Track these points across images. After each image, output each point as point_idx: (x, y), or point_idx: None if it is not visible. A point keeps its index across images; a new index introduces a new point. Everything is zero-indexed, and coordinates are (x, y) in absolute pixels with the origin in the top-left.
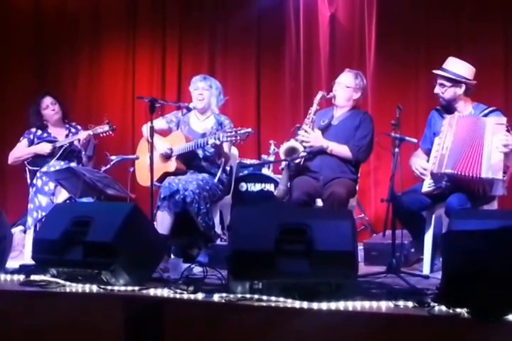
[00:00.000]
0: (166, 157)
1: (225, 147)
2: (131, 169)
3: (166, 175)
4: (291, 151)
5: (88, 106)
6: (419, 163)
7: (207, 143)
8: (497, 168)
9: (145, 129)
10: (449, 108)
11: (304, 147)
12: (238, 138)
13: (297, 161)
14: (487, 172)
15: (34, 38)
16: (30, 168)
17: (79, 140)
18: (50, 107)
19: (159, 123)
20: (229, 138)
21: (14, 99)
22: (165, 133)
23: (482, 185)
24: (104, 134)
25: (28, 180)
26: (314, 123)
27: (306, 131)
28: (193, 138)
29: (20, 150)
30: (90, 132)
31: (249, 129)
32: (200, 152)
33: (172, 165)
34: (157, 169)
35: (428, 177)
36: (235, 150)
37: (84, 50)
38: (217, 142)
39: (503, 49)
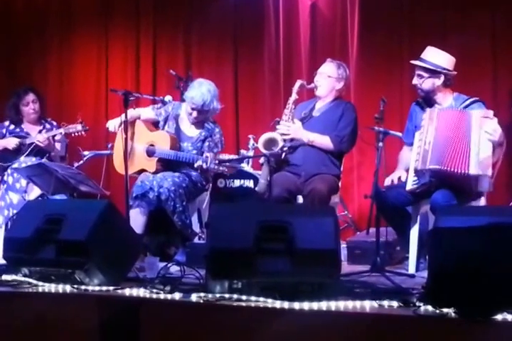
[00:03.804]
0: (148, 154)
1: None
2: (110, 145)
3: (144, 170)
4: (270, 143)
5: (60, 100)
6: (399, 173)
7: (193, 162)
8: (486, 163)
9: (130, 113)
10: (428, 99)
11: (284, 140)
12: (226, 170)
13: (277, 154)
14: (476, 168)
15: (2, 32)
16: None
17: (39, 141)
18: (30, 105)
19: (147, 112)
20: (216, 168)
21: None
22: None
23: (469, 182)
24: (77, 134)
25: None
26: (294, 115)
27: (285, 122)
28: (179, 139)
29: None
30: (46, 135)
31: (240, 166)
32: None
33: (152, 166)
34: (138, 160)
35: (412, 175)
36: None
37: (54, 43)
38: (204, 166)
39: (491, 39)
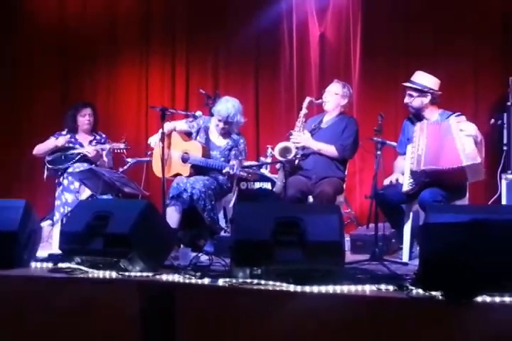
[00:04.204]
0: (183, 160)
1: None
2: (149, 152)
3: (179, 174)
4: (285, 150)
5: (107, 115)
6: (396, 176)
7: (221, 168)
8: (474, 154)
9: (167, 126)
10: (418, 115)
11: (297, 147)
12: (250, 176)
13: (291, 161)
14: (467, 160)
15: (58, 56)
16: (49, 166)
17: (88, 152)
18: (86, 117)
19: (181, 125)
20: (241, 173)
21: (40, 109)
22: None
23: (464, 174)
24: (119, 151)
25: (44, 175)
26: (305, 127)
27: (297, 133)
28: (209, 148)
29: (43, 144)
30: (94, 147)
31: (260, 172)
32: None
33: (186, 171)
34: (174, 166)
35: (408, 177)
36: None
37: (102, 67)
38: (231, 172)
39: (473, 64)
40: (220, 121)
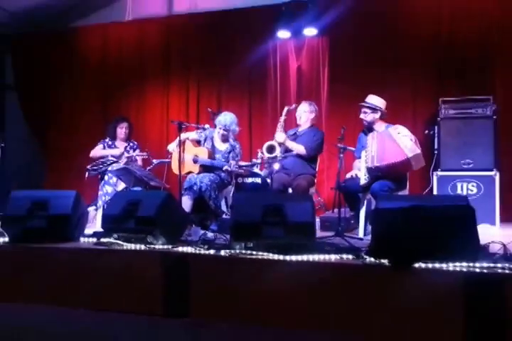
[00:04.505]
0: (194, 161)
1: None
2: (169, 156)
3: (191, 172)
4: (270, 148)
5: (137, 128)
6: (355, 172)
7: (222, 167)
8: (413, 147)
9: (183, 136)
10: (369, 128)
11: (279, 145)
12: (243, 172)
13: (274, 158)
14: (410, 152)
15: (99, 83)
16: (90, 170)
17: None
18: (123, 129)
19: (193, 135)
20: (237, 170)
21: (87, 123)
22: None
23: (409, 164)
24: (141, 158)
25: (86, 176)
26: (286, 134)
27: (278, 132)
28: (213, 152)
29: (98, 151)
30: (127, 154)
31: (252, 169)
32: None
33: (196, 169)
34: (187, 165)
35: (363, 173)
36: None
37: (133, 90)
38: (229, 169)
39: (411, 89)
40: (220, 128)
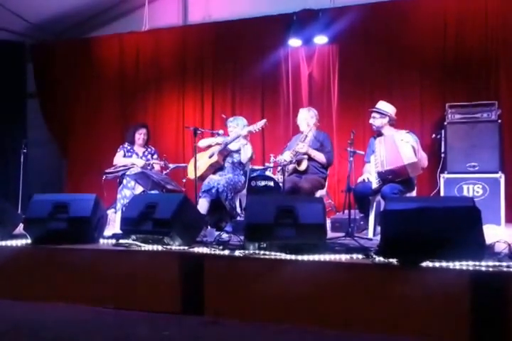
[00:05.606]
0: (210, 156)
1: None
2: (184, 180)
3: (209, 167)
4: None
5: (154, 133)
6: (366, 176)
7: (238, 137)
8: (411, 155)
9: (200, 143)
10: (379, 133)
11: (294, 155)
12: (254, 129)
13: (287, 164)
14: (406, 160)
15: (119, 91)
16: (108, 174)
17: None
18: (141, 135)
19: (208, 140)
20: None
21: (105, 129)
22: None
23: (406, 171)
24: (158, 165)
25: (103, 180)
26: (292, 142)
27: (302, 143)
28: (226, 152)
29: (121, 159)
30: (144, 160)
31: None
32: (229, 159)
33: (215, 158)
34: (204, 163)
35: (374, 177)
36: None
37: (151, 97)
38: (252, 130)
39: (420, 91)
40: (230, 126)
